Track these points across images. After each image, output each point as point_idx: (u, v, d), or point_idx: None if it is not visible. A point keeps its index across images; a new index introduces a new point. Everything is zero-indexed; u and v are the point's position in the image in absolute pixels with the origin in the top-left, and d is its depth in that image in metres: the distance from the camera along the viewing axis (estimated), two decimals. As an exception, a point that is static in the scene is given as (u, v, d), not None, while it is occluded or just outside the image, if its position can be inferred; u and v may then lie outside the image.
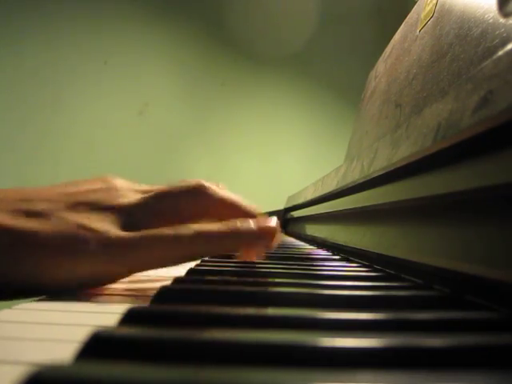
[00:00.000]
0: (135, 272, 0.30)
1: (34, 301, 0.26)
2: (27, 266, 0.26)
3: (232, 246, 0.31)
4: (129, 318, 0.18)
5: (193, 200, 0.32)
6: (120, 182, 0.33)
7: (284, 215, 1.29)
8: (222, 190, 0.33)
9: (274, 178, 1.97)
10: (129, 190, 0.32)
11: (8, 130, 1.69)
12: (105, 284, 0.29)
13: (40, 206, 0.27)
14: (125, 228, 0.29)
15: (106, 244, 0.27)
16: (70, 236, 0.27)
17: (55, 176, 1.69)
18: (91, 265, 0.27)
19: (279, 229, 0.33)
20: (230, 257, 0.43)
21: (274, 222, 0.33)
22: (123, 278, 0.30)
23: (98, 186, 0.31)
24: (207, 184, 0.32)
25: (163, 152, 1.88)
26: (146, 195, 0.32)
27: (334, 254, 0.53)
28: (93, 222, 0.28)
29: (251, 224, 0.31)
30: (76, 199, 0.29)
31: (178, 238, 0.29)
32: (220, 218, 0.32)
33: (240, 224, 0.31)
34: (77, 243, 0.27)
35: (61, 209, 0.28)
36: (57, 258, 0.26)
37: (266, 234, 0.31)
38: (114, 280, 0.30)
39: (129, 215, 0.30)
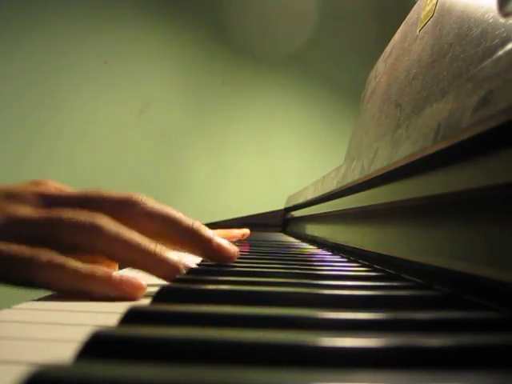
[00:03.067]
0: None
1: (34, 301, 0.26)
2: None
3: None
4: (129, 318, 0.18)
5: (80, 235, 0.30)
6: (34, 188, 0.33)
7: (284, 215, 1.29)
8: (118, 230, 0.31)
9: (274, 178, 1.97)
10: (38, 197, 0.33)
11: (6, 128, 1.69)
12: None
13: None
14: (16, 238, 0.29)
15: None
16: None
17: (55, 175, 1.69)
18: None
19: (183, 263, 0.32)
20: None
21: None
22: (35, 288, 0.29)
23: (8, 187, 0.33)
24: (102, 222, 0.30)
25: (163, 151, 1.88)
26: (39, 216, 0.31)
27: (334, 254, 0.53)
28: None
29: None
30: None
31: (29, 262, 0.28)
32: (115, 257, 0.31)
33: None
34: None
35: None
36: None
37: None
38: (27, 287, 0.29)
39: (10, 228, 0.30)
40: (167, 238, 0.33)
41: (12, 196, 0.32)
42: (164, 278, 0.31)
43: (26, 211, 0.31)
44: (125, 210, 0.32)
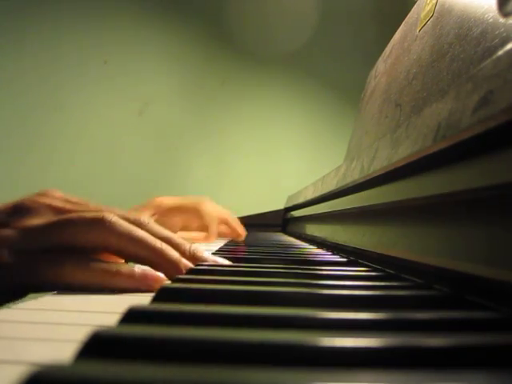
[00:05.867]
0: (43, 283, 0.31)
1: (34, 300, 0.26)
2: None
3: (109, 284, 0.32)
4: (129, 318, 0.18)
5: (90, 231, 0.32)
6: (41, 199, 0.35)
7: (284, 215, 1.29)
8: (128, 224, 0.33)
9: (274, 178, 1.97)
10: (46, 208, 0.34)
11: (6, 127, 1.69)
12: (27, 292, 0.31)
13: None
14: (20, 248, 0.31)
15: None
16: None
17: (55, 175, 1.69)
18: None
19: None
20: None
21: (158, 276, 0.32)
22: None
23: (17, 203, 0.34)
24: (110, 217, 0.32)
25: (163, 151, 1.88)
26: (50, 220, 0.33)
27: (334, 254, 0.53)
28: None
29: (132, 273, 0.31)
30: None
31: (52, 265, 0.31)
32: (127, 253, 0.33)
33: (116, 269, 0.31)
34: None
35: None
36: None
37: (142, 284, 0.31)
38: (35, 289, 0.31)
39: (24, 237, 0.32)
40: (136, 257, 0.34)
41: (23, 210, 0.34)
42: (167, 276, 0.32)
43: (37, 222, 0.33)
44: (97, 228, 0.33)
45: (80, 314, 0.23)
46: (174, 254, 0.34)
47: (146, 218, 0.36)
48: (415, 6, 0.58)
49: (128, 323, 0.18)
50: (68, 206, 0.35)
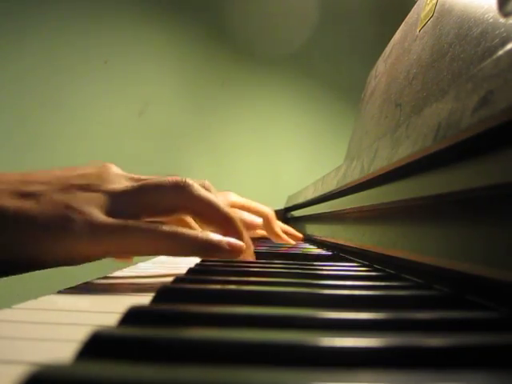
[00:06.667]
0: (110, 255, 0.33)
1: (34, 300, 0.26)
2: (16, 243, 0.29)
3: (199, 253, 0.34)
4: (129, 318, 0.18)
5: (174, 195, 0.34)
6: (114, 169, 0.35)
7: (284, 214, 1.29)
8: (203, 189, 0.35)
9: (274, 178, 1.97)
10: (121, 176, 0.35)
11: (7, 127, 1.69)
12: (78, 263, 0.32)
13: (35, 188, 0.30)
14: (109, 212, 0.31)
15: (89, 226, 0.30)
16: (57, 215, 0.29)
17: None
18: (71, 244, 0.29)
19: (251, 246, 0.38)
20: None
21: (245, 239, 0.36)
22: (98, 259, 0.32)
23: (91, 170, 0.34)
24: (190, 181, 0.34)
25: (163, 151, 1.88)
26: (133, 184, 0.34)
27: (334, 254, 0.53)
28: (80, 204, 0.30)
29: (222, 240, 0.34)
30: (69, 182, 0.32)
31: (154, 233, 0.31)
32: (198, 216, 0.36)
33: (213, 237, 0.34)
34: (62, 222, 0.29)
35: (54, 190, 0.30)
36: (40, 235, 0.29)
37: (233, 250, 0.34)
38: (88, 260, 0.32)
39: (114, 201, 0.32)
40: (204, 221, 0.37)
41: (99, 174, 0.34)
42: (234, 236, 0.35)
43: (117, 186, 0.33)
44: (181, 192, 0.35)
45: (80, 313, 0.23)
46: (241, 225, 0.36)
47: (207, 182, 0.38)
48: (415, 5, 0.58)
49: (128, 323, 0.18)
50: (137, 176, 0.36)
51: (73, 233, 0.29)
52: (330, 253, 0.55)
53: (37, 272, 0.32)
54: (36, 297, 0.26)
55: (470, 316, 0.18)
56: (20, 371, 0.13)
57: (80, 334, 0.15)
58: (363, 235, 0.44)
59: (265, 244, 0.71)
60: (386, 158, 0.34)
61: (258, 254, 0.44)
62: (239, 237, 0.36)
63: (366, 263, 0.41)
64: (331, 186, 0.57)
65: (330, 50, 2.04)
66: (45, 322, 0.21)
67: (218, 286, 0.25)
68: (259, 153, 1.99)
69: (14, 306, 0.23)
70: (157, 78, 1.91)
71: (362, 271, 0.37)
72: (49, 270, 0.32)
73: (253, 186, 1.93)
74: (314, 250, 0.62)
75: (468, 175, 0.22)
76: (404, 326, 0.17)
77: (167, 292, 0.24)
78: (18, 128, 1.71)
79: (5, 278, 0.32)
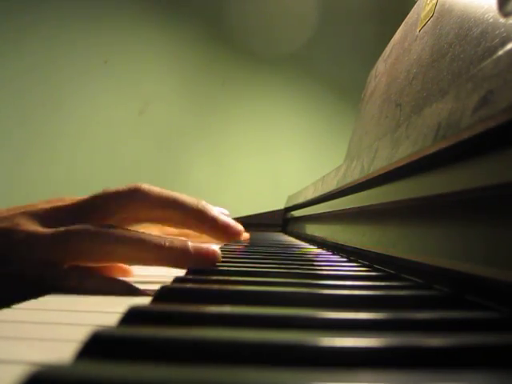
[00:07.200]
0: (69, 261, 0.31)
1: (34, 300, 0.26)
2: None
3: (162, 261, 0.31)
4: (129, 318, 0.18)
5: (129, 202, 0.33)
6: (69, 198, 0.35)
7: (284, 215, 1.29)
8: (156, 188, 0.34)
9: (274, 178, 1.97)
10: (75, 198, 0.35)
11: (6, 127, 1.69)
12: (44, 273, 0.31)
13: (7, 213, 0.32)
14: (52, 226, 0.31)
15: (29, 237, 0.30)
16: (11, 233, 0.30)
17: (53, 174, 1.69)
18: (28, 255, 0.30)
19: (217, 253, 0.33)
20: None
21: (213, 247, 0.33)
22: (61, 266, 0.31)
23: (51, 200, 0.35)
24: (144, 186, 0.33)
25: (163, 151, 1.88)
26: (81, 198, 0.33)
27: (334, 254, 0.53)
28: (22, 222, 0.31)
29: (188, 246, 0.31)
30: (31, 210, 0.33)
31: (104, 237, 0.30)
32: (161, 220, 0.34)
33: (178, 243, 0.31)
34: (15, 240, 0.30)
35: (19, 216, 0.32)
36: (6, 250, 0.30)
37: (202, 257, 0.32)
38: (52, 271, 0.31)
39: (56, 214, 0.32)
40: (172, 220, 0.35)
41: (54, 200, 0.34)
42: (209, 234, 0.33)
43: (62, 203, 0.33)
44: (132, 199, 0.33)
45: (80, 313, 0.23)
46: (215, 213, 0.35)
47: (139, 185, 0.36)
48: (415, 5, 0.58)
49: (128, 323, 0.18)
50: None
51: (23, 248, 0.30)
52: (330, 252, 0.55)
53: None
54: (36, 297, 0.26)
55: (470, 316, 0.18)
56: (20, 371, 0.13)
57: (80, 334, 0.15)
58: (363, 235, 0.44)
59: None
60: (385, 158, 0.34)
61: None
62: (217, 226, 0.34)
63: (366, 263, 0.41)
64: (331, 185, 0.57)
65: (330, 50, 2.04)
66: (45, 321, 0.21)
67: (218, 286, 0.25)
68: (259, 153, 1.99)
69: (14, 306, 0.23)
70: (157, 78, 1.91)
71: (361, 271, 0.37)
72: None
73: (253, 186, 1.93)
74: (314, 249, 0.62)
75: (468, 175, 0.22)
76: (404, 326, 0.17)
77: (167, 292, 0.24)
78: (18, 128, 1.71)
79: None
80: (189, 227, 0.35)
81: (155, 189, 0.33)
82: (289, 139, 2.03)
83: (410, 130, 0.30)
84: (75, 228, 0.30)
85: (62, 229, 0.30)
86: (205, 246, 0.32)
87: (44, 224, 0.31)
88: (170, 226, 0.35)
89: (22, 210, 0.32)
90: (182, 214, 0.34)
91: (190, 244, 0.32)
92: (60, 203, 0.33)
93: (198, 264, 0.31)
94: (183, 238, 0.33)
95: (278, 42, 2.00)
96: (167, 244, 0.31)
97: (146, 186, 0.33)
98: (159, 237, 0.32)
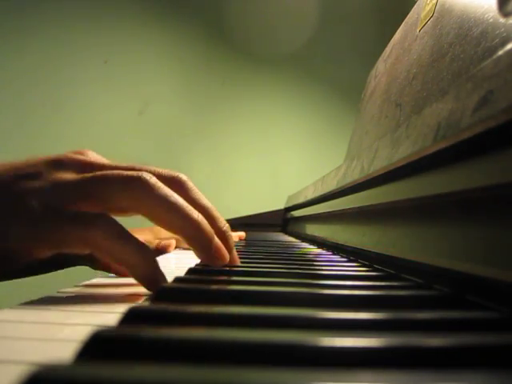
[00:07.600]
0: (55, 248, 0.29)
1: (34, 300, 0.26)
2: None
3: (177, 226, 0.30)
4: (129, 318, 0.18)
5: (125, 190, 0.30)
6: (76, 156, 0.33)
7: (284, 215, 1.29)
8: (163, 187, 0.30)
9: (274, 178, 1.97)
10: (76, 165, 0.32)
11: (7, 128, 1.69)
12: (29, 257, 0.29)
13: None
14: (49, 202, 0.29)
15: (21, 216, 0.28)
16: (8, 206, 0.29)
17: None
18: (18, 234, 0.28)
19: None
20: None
21: (219, 247, 0.32)
22: (47, 250, 0.29)
23: (48, 157, 0.32)
24: (147, 177, 0.30)
25: (163, 151, 1.88)
26: (84, 175, 0.31)
27: (334, 254, 0.53)
28: (19, 194, 0.29)
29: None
30: (17, 172, 0.30)
31: (87, 223, 0.28)
32: (155, 220, 0.31)
33: (202, 221, 0.30)
34: (9, 215, 0.28)
35: (7, 179, 0.30)
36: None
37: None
38: (37, 253, 0.29)
39: (52, 191, 0.29)
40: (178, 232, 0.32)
41: (56, 164, 0.31)
42: (195, 248, 0.31)
43: (71, 176, 0.30)
44: (172, 186, 0.31)
45: (80, 313, 0.23)
46: (209, 230, 0.31)
47: (185, 176, 0.33)
48: (415, 5, 0.58)
49: (128, 323, 0.18)
50: (104, 163, 0.33)
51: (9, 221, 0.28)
52: (330, 252, 0.55)
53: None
54: (36, 297, 0.26)
55: (470, 316, 0.18)
56: (20, 371, 0.13)
57: (80, 334, 0.15)
58: (363, 235, 0.44)
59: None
60: (385, 158, 0.34)
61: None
62: (210, 246, 0.31)
63: (366, 263, 0.41)
64: (331, 185, 0.57)
65: (330, 49, 2.04)
66: (45, 321, 0.21)
67: (218, 286, 0.25)
68: (259, 153, 1.99)
69: (14, 306, 0.23)
70: (157, 78, 1.91)
71: (362, 271, 0.37)
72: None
73: (253, 186, 1.93)
74: (315, 249, 0.62)
75: (468, 175, 0.22)
76: (404, 326, 0.17)
77: (167, 292, 0.24)
78: (18, 128, 1.71)
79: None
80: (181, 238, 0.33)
81: (159, 188, 0.30)
82: (289, 139, 2.03)
83: (410, 129, 0.30)
84: (67, 214, 0.28)
85: (50, 214, 0.28)
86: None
87: (39, 200, 0.29)
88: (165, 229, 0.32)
89: (23, 174, 0.30)
90: (176, 225, 0.31)
91: (216, 239, 0.32)
92: (54, 176, 0.30)
93: (214, 257, 0.31)
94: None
95: (278, 42, 2.00)
96: (199, 218, 0.30)
97: (149, 181, 0.30)
98: (191, 209, 0.30)
